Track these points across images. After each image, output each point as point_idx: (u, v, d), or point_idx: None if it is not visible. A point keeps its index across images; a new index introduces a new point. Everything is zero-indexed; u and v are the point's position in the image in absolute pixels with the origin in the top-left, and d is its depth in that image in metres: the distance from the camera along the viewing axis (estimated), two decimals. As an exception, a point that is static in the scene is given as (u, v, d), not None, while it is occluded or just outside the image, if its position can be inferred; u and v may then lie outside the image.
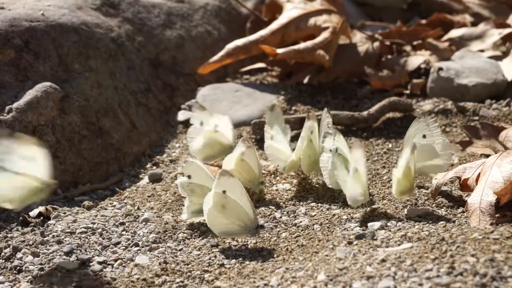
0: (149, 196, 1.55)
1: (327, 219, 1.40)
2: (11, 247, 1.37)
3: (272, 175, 1.59)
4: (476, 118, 1.76)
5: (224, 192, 1.33)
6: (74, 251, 1.36)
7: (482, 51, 1.99)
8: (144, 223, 1.45)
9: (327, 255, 1.24)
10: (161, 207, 1.50)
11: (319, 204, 1.47)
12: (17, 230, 1.44)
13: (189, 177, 1.42)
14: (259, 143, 1.70)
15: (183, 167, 1.43)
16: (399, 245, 1.24)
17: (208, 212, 1.34)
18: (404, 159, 1.37)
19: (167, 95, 1.87)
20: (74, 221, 1.46)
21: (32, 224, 1.45)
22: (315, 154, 1.52)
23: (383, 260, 1.17)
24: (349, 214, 1.40)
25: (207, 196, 1.35)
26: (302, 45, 1.89)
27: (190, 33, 1.99)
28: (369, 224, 1.34)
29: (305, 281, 1.16)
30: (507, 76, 1.85)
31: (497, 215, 1.31)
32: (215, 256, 1.32)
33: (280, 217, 1.44)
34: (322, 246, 1.29)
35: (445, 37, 2.06)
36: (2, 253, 1.36)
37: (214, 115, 1.63)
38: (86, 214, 1.49)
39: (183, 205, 1.45)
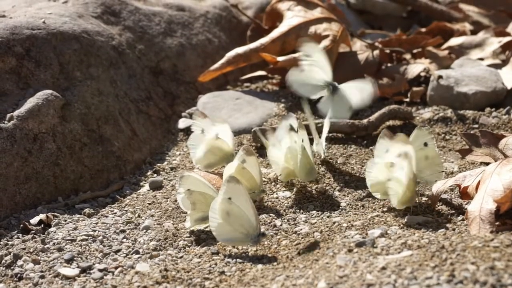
0: (149, 204, 1.56)
1: (327, 227, 1.40)
2: (11, 254, 1.37)
3: (273, 183, 1.60)
4: (476, 126, 1.76)
5: (229, 199, 1.34)
6: (75, 258, 1.36)
7: (481, 59, 2.00)
8: (144, 230, 1.46)
9: (327, 263, 1.24)
10: (161, 215, 1.51)
11: (319, 212, 1.48)
12: (18, 237, 1.44)
13: (188, 191, 1.42)
14: (259, 151, 1.70)
15: (180, 183, 1.43)
16: (399, 252, 1.24)
17: (213, 219, 1.35)
18: (405, 171, 1.38)
19: (168, 103, 1.87)
20: (75, 229, 1.46)
21: (33, 231, 1.45)
22: (310, 162, 1.52)
23: (383, 268, 1.17)
24: (349, 222, 1.40)
25: (213, 202, 1.35)
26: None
27: (191, 41, 1.99)
28: (369, 232, 1.34)
29: (306, 289, 1.17)
30: (507, 84, 1.85)
31: (497, 223, 1.31)
32: (216, 264, 1.32)
33: (281, 224, 1.44)
34: (323, 253, 1.30)
35: (445, 45, 2.07)
36: (3, 261, 1.36)
37: (215, 123, 1.63)
38: (87, 222, 1.49)
39: (185, 213, 1.45)
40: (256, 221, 1.33)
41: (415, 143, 1.47)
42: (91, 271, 1.33)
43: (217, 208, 1.34)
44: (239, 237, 1.34)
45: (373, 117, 1.77)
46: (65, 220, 1.50)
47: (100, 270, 1.33)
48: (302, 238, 1.38)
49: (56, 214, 1.51)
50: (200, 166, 1.62)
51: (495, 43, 2.02)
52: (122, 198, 1.60)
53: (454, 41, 2.07)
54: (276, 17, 2.05)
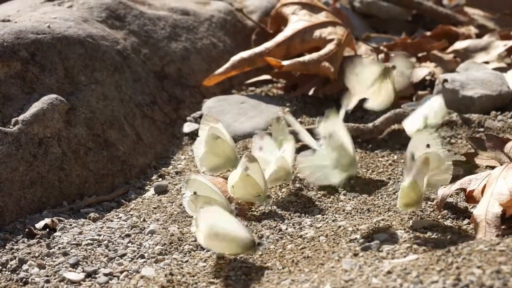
0: (154, 208, 1.56)
1: (332, 231, 1.40)
2: (17, 259, 1.37)
3: (278, 187, 1.59)
4: (481, 129, 1.76)
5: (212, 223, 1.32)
6: (80, 263, 1.36)
7: (487, 62, 1.99)
8: (150, 235, 1.45)
9: (333, 267, 1.24)
10: (166, 219, 1.51)
11: (325, 216, 1.48)
12: (23, 242, 1.44)
13: (194, 193, 1.42)
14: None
15: (186, 186, 1.43)
16: (404, 256, 1.24)
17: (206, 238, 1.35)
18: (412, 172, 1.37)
19: (173, 107, 1.87)
20: (80, 233, 1.46)
21: (38, 236, 1.45)
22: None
23: (389, 272, 1.17)
24: (355, 226, 1.40)
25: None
26: (307, 57, 1.90)
27: (196, 46, 2.00)
28: (374, 236, 1.34)
29: (311, 293, 1.17)
30: (512, 88, 1.85)
31: (503, 227, 1.31)
32: (221, 268, 1.32)
33: (286, 228, 1.44)
34: (328, 257, 1.29)
35: (450, 49, 2.06)
36: (8, 265, 1.37)
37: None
38: (92, 226, 1.49)
39: (190, 217, 1.45)
40: (244, 233, 1.31)
41: (418, 147, 1.46)
42: (97, 276, 1.33)
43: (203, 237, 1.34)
44: (233, 251, 1.33)
45: (378, 121, 1.77)
46: (70, 225, 1.50)
47: (106, 275, 1.33)
48: (307, 242, 1.38)
49: (61, 218, 1.51)
50: (205, 170, 1.62)
51: (501, 46, 2.02)
52: (127, 203, 1.60)
53: (459, 45, 2.06)
54: (281, 21, 2.05)
